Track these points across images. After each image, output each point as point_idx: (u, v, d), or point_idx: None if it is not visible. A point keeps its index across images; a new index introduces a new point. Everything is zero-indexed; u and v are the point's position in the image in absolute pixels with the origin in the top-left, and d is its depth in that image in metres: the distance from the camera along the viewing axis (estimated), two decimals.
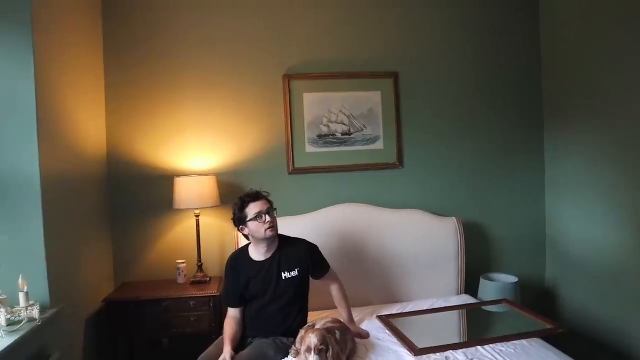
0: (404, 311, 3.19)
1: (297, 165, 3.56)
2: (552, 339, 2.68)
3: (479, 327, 3.03)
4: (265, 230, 2.63)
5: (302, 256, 2.74)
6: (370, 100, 3.62)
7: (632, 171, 3.03)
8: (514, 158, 3.85)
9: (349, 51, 3.61)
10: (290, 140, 3.53)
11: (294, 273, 2.71)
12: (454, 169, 3.78)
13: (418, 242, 3.48)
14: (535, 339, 2.62)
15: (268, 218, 2.62)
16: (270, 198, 2.72)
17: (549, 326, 2.78)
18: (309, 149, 3.57)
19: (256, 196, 2.67)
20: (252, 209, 2.63)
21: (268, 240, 2.67)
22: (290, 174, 3.56)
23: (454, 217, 3.60)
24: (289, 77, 3.51)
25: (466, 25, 3.77)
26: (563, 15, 3.60)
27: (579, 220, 3.54)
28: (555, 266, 3.83)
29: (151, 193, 3.44)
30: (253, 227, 2.64)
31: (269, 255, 2.72)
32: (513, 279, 3.55)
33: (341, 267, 3.11)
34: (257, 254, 2.74)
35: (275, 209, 2.71)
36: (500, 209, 3.85)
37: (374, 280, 3.42)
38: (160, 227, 3.46)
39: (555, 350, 2.47)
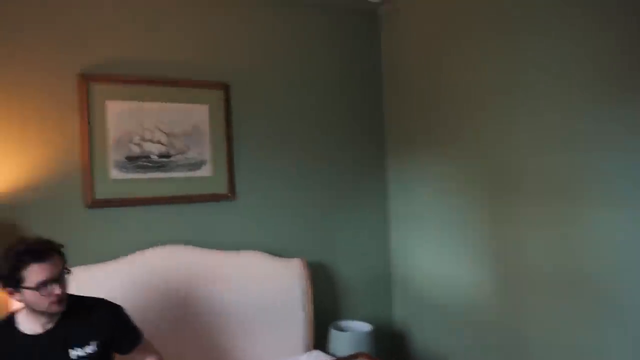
0: None
1: (98, 196, 2.64)
2: None
3: None
4: (50, 304, 1.75)
5: (102, 324, 1.90)
6: (195, 115, 2.90)
7: (489, 203, 2.78)
8: (359, 189, 3.44)
9: (170, 52, 2.87)
10: (89, 163, 2.61)
11: (90, 349, 1.85)
12: (294, 201, 3.21)
13: (257, 291, 2.81)
14: None
15: (57, 289, 1.74)
16: (63, 250, 1.83)
17: None
18: (115, 174, 2.69)
19: (41, 254, 1.74)
20: (34, 275, 1.71)
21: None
22: (88, 207, 2.62)
23: (298, 259, 3.01)
24: (87, 78, 2.62)
25: (310, 41, 3.31)
26: (401, 39, 3.39)
27: (427, 256, 3.23)
28: (403, 306, 3.46)
29: None
30: (31, 297, 1.73)
31: (49, 326, 1.82)
32: (366, 327, 3.06)
33: (159, 332, 2.38)
34: (31, 324, 1.82)
35: (69, 271, 1.83)
36: (344, 246, 3.38)
37: (203, 344, 2.63)
38: None
39: None
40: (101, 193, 2.65)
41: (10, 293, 1.76)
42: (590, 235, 2.26)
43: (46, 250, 1.76)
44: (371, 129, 3.51)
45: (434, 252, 3.18)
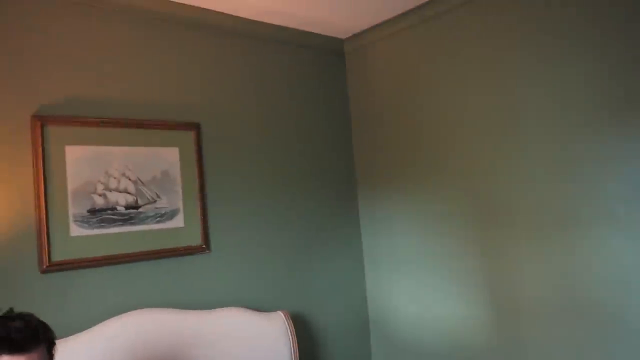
0: None
1: (55, 258, 2.22)
2: None
3: None
4: None
5: None
6: (164, 159, 2.59)
7: (478, 237, 2.72)
8: (332, 232, 3.25)
9: (136, 91, 2.54)
10: (45, 219, 2.20)
11: None
12: (270, 249, 2.95)
13: (242, 351, 2.52)
14: None
15: None
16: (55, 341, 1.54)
17: None
18: (76, 230, 2.29)
19: (18, 345, 1.40)
20: None
21: None
22: (44, 272, 2.19)
23: (280, 312, 2.76)
24: (41, 120, 2.23)
25: (278, 78, 3.11)
26: (366, 76, 3.32)
27: (405, 296, 3.11)
28: (383, 352, 3.28)
29: None
30: None
31: None
32: None
33: None
34: None
35: None
36: (321, 293, 3.15)
37: None
38: None
39: None
40: (60, 254, 2.24)
41: None
42: (594, 261, 2.27)
43: (28, 341, 1.42)
44: (341, 169, 3.36)
45: (414, 292, 3.06)
